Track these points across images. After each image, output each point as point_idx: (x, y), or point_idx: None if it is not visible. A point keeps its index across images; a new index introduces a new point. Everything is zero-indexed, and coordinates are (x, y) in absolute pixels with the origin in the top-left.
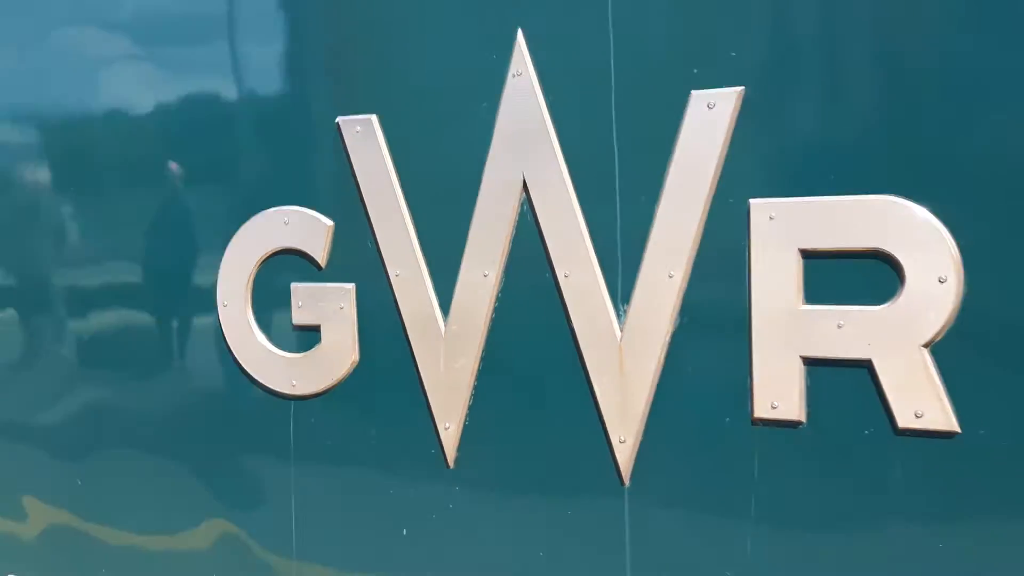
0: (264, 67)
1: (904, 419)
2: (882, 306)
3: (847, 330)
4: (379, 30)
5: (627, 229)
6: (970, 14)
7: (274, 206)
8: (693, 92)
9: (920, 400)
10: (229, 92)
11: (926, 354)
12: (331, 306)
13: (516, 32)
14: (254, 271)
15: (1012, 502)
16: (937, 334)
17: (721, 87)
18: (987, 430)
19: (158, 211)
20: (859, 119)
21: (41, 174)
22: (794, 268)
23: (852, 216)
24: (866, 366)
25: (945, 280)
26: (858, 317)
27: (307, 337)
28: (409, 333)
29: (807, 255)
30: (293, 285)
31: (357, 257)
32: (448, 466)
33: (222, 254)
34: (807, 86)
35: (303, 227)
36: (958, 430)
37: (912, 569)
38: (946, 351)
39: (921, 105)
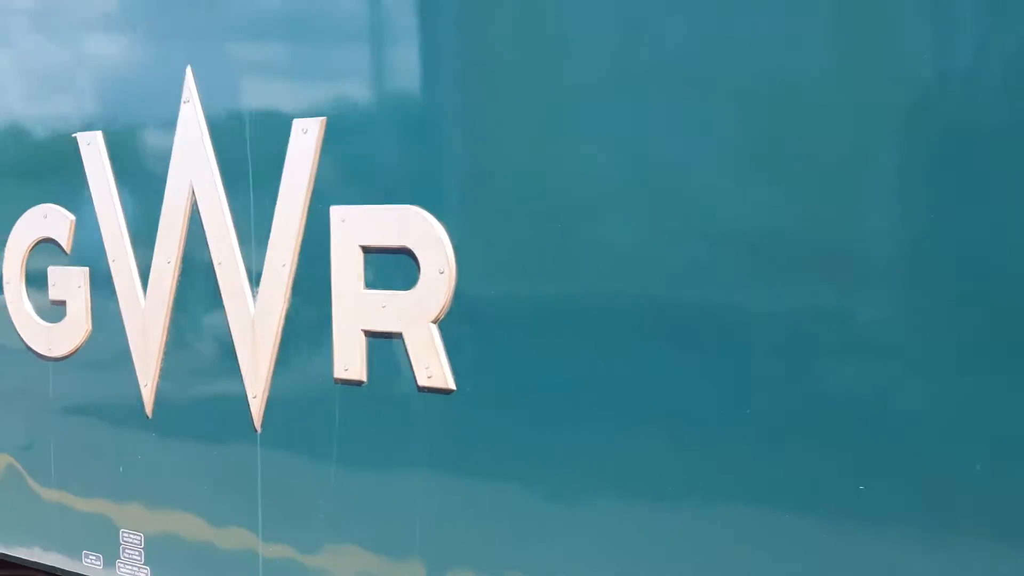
0: (30, 96)
1: (422, 379)
2: (408, 291)
3: (389, 310)
4: (99, 64)
5: (258, 227)
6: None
7: (40, 203)
8: (294, 120)
9: (431, 364)
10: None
11: (434, 328)
12: (73, 285)
13: (186, 67)
14: (26, 255)
15: (491, 443)
16: (440, 313)
17: (312, 116)
18: (472, 388)
19: None
20: (394, 145)
21: None
22: (358, 260)
23: (391, 221)
24: (400, 338)
25: (443, 272)
26: (395, 299)
27: (59, 310)
28: (122, 309)
29: (366, 250)
30: (49, 268)
31: (90, 246)
32: (148, 416)
33: (6, 241)
34: (368, 120)
35: (56, 221)
36: (454, 388)
37: (438, 491)
38: (446, 326)
39: (437, 137)
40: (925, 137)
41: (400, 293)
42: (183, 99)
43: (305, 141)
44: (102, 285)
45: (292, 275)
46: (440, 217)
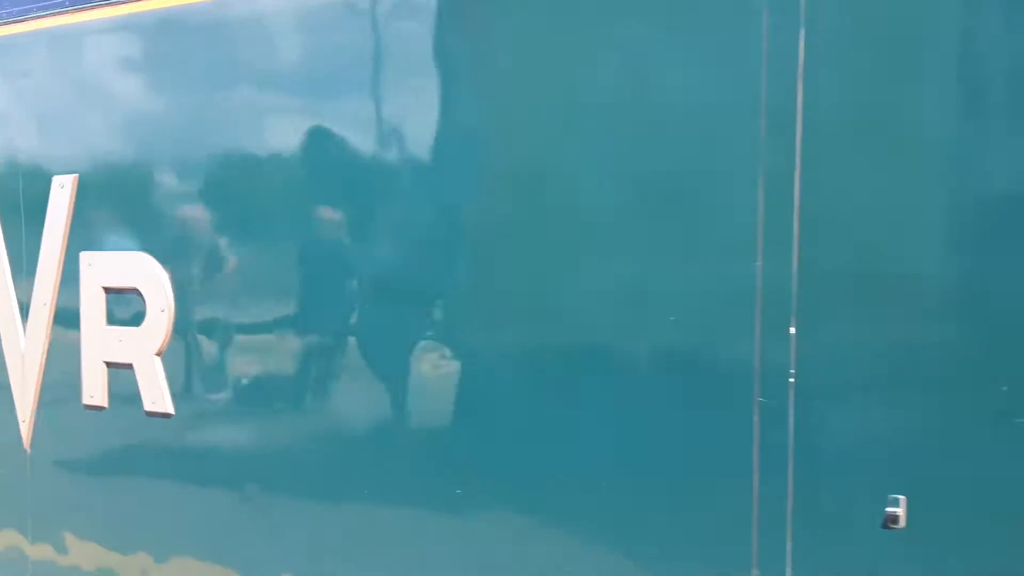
0: None
1: (148, 405)
2: (138, 327)
3: (124, 344)
4: None
5: (28, 270)
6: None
7: None
8: (54, 176)
9: (155, 392)
10: None
11: (158, 361)
12: None
13: None
14: None
15: (201, 457)
16: (162, 347)
17: (68, 173)
18: (188, 413)
19: None
20: (130, 200)
21: None
22: (101, 300)
23: (125, 265)
24: (132, 368)
25: (164, 311)
26: (129, 334)
27: None
28: None
29: (108, 291)
30: None
31: None
32: None
33: None
34: (110, 178)
35: None
36: (173, 412)
37: (161, 498)
38: (167, 359)
39: (163, 194)
40: None
41: (133, 329)
42: None
43: (61, 195)
44: None
45: (52, 313)
46: (163, 262)
